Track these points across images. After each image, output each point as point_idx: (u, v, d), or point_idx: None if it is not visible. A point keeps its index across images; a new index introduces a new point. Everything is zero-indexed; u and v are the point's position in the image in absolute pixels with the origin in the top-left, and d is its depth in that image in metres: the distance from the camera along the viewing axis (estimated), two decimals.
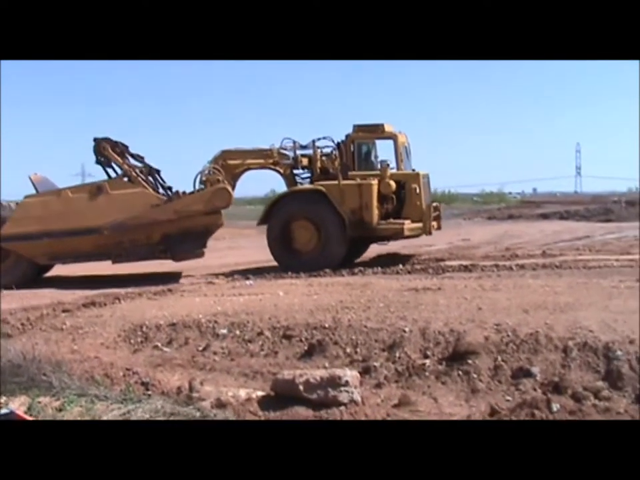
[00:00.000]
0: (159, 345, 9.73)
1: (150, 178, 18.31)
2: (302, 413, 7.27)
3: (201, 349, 9.46)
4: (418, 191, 18.50)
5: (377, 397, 7.72)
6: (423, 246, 21.33)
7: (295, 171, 19.41)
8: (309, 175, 19.35)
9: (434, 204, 19.72)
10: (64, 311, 12.06)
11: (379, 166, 18.99)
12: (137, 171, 17.82)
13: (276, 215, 18.52)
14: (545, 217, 41.12)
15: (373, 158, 19.77)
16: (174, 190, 18.34)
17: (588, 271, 13.86)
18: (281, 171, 19.24)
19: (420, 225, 18.40)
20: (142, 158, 18.57)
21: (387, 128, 19.54)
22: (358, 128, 19.59)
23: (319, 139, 19.24)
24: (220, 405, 7.39)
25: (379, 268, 15.90)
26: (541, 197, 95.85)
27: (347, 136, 19.46)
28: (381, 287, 12.61)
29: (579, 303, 10.01)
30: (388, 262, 17.76)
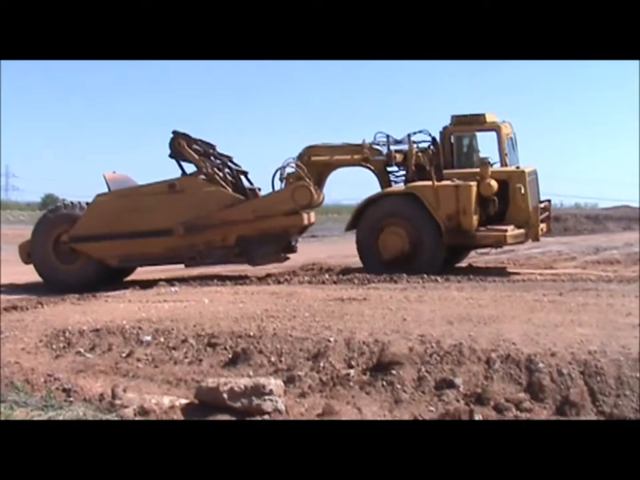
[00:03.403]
0: (82, 350, 9.57)
1: (230, 177, 17.36)
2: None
3: (124, 355, 9.33)
4: (523, 191, 16.60)
5: (301, 406, 7.69)
6: (350, 256, 20.66)
7: (389, 169, 18.20)
8: (404, 172, 18.00)
9: (543, 204, 18.00)
10: None
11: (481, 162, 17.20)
12: (215, 168, 16.95)
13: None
14: None
15: (473, 153, 18.30)
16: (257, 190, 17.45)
17: (512, 284, 14.04)
18: (373, 168, 18.11)
19: (525, 230, 16.73)
20: (229, 158, 17.71)
21: (489, 118, 17.93)
22: (456, 119, 18.14)
23: (414, 133, 18.03)
24: (143, 412, 7.29)
25: (305, 277, 15.83)
26: None
27: (444, 128, 18.14)
28: (306, 297, 12.59)
29: (502, 316, 10.12)
30: (314, 271, 17.78)
